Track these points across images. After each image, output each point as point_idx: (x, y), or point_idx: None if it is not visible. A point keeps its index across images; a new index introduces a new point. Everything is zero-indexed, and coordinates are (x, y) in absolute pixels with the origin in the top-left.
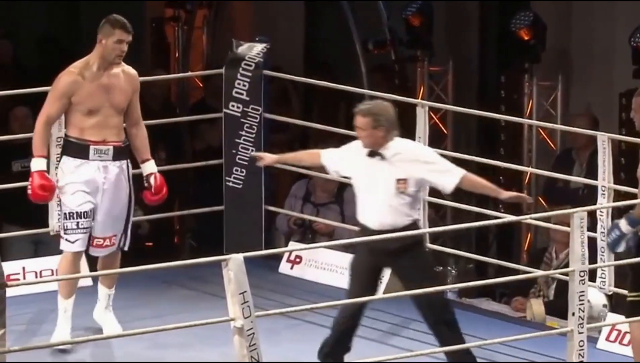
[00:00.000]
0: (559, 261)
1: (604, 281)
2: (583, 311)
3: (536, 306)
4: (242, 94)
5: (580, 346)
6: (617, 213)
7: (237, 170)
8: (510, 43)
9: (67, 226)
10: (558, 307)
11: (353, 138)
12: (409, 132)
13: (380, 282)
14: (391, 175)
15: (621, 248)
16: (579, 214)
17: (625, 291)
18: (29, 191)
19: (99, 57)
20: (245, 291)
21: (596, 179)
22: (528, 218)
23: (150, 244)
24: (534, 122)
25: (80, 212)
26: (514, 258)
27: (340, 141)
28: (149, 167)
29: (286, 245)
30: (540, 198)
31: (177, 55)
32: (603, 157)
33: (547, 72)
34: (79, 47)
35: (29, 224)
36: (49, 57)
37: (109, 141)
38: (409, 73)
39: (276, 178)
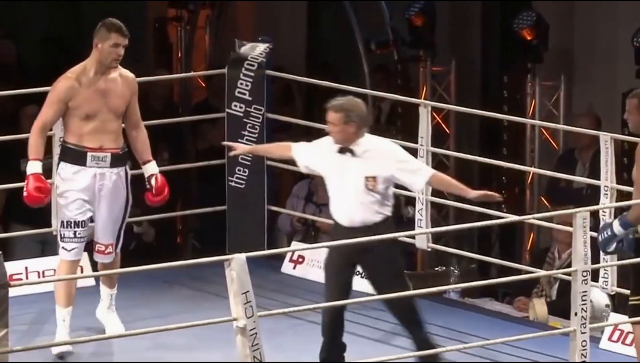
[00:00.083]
0: (561, 261)
1: (607, 281)
2: (586, 311)
3: (539, 307)
4: (244, 94)
5: (583, 346)
6: (620, 213)
7: (239, 170)
8: (512, 43)
9: (64, 234)
10: (561, 307)
11: None
12: (411, 132)
13: (354, 277)
14: (361, 172)
15: (611, 248)
16: (582, 214)
17: (627, 291)
18: (25, 194)
19: (95, 62)
20: (247, 291)
21: (599, 179)
22: (531, 218)
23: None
24: (537, 122)
25: (78, 221)
26: (517, 258)
27: None
28: (150, 168)
29: (288, 245)
30: (542, 198)
31: (179, 55)
32: (606, 157)
33: (549, 72)
34: (81, 47)
35: (36, 224)
36: (52, 57)
37: (107, 147)
38: (412, 73)
39: (278, 177)
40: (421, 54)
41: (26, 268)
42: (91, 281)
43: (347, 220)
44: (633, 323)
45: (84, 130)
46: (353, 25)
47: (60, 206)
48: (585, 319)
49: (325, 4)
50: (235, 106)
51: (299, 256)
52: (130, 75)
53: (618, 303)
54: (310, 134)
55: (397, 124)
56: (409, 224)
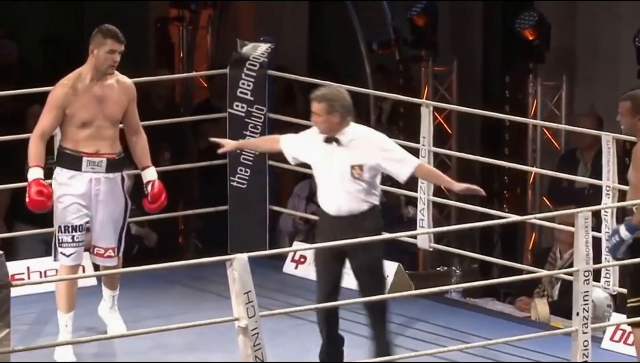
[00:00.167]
0: (563, 261)
1: (609, 281)
2: (587, 311)
3: (540, 306)
4: (246, 94)
5: (585, 346)
6: (622, 213)
7: (241, 170)
8: (514, 43)
9: (62, 239)
10: (562, 307)
11: None
12: (413, 132)
13: (344, 270)
14: (347, 161)
15: (621, 254)
16: (584, 214)
17: None
18: (27, 200)
19: (91, 68)
20: (249, 291)
21: (601, 179)
22: (532, 218)
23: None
24: (539, 122)
25: (76, 226)
26: (519, 258)
27: None
28: (149, 174)
29: (290, 245)
30: (544, 198)
31: (181, 55)
32: (608, 157)
33: (551, 72)
34: (82, 47)
35: (40, 224)
36: (53, 57)
37: (102, 153)
38: (414, 73)
39: (280, 177)
40: (423, 54)
41: (28, 268)
42: (92, 281)
43: (334, 209)
44: (632, 325)
45: (80, 136)
46: (355, 25)
47: (57, 211)
48: (587, 319)
49: (327, 4)
50: (237, 106)
51: (301, 256)
52: (128, 81)
53: (620, 303)
54: None
55: (399, 124)
56: (410, 224)
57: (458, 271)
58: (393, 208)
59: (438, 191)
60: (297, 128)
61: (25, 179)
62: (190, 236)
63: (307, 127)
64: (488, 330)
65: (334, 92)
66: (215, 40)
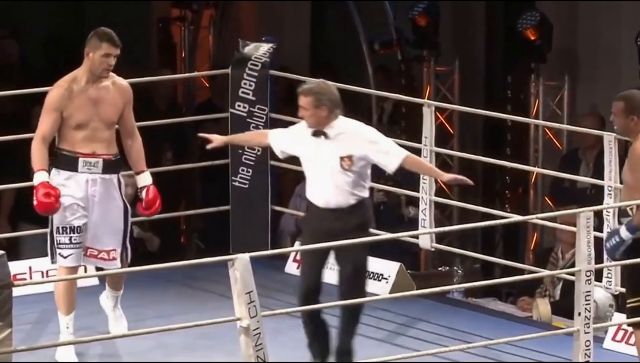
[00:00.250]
0: (565, 261)
1: (610, 281)
2: (589, 311)
3: (542, 306)
4: (248, 94)
5: (587, 346)
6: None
7: (243, 170)
8: (516, 43)
9: (59, 241)
10: (564, 307)
11: None
12: (415, 132)
13: (328, 262)
14: (335, 153)
15: (620, 255)
16: (585, 214)
17: None
18: (35, 204)
19: (87, 71)
20: (251, 291)
21: (603, 179)
22: (534, 218)
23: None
24: (540, 122)
25: (73, 227)
26: (520, 258)
27: None
28: (143, 179)
29: (292, 245)
30: (546, 198)
31: (183, 55)
32: (610, 157)
33: (553, 72)
34: (84, 47)
35: (44, 224)
36: (55, 57)
37: (99, 153)
38: (415, 73)
39: (281, 177)
40: (425, 54)
41: (30, 267)
42: (93, 281)
43: (322, 201)
44: (633, 325)
45: (76, 137)
46: (357, 25)
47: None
48: (588, 319)
49: (329, 4)
50: (239, 106)
51: None
52: (124, 83)
53: (621, 303)
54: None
55: (400, 124)
56: (411, 224)
57: (460, 271)
58: (394, 208)
59: (440, 191)
60: None
61: (29, 179)
62: (192, 236)
63: None
64: (490, 330)
65: (321, 86)
66: (217, 40)
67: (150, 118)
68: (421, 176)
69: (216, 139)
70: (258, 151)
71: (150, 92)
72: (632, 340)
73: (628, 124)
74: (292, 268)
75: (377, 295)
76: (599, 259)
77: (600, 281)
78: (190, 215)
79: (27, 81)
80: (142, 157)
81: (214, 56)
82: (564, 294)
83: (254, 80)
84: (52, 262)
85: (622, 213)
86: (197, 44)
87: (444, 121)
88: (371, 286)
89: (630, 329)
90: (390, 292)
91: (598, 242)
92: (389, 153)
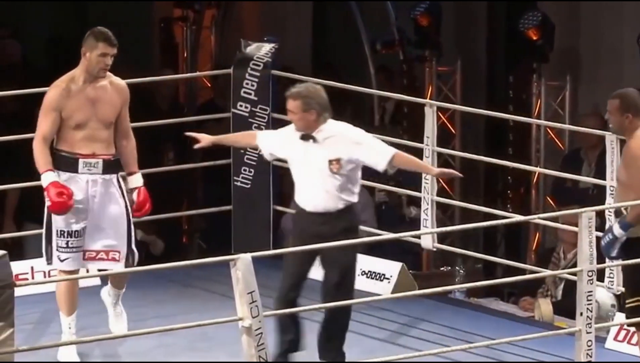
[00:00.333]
0: (567, 261)
1: (612, 281)
2: (591, 311)
3: (544, 306)
4: (250, 94)
5: (589, 346)
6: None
7: (245, 170)
8: (518, 43)
9: (58, 244)
10: (566, 307)
11: None
12: (417, 132)
13: (312, 266)
14: (324, 157)
15: (614, 252)
16: (587, 214)
17: None
18: (49, 204)
19: (84, 71)
20: (253, 291)
21: (604, 179)
22: (536, 218)
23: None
24: (542, 122)
25: (71, 231)
26: (522, 258)
27: None
28: (135, 181)
29: None
30: (548, 198)
31: (185, 55)
32: (611, 157)
33: (555, 72)
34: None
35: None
36: (57, 57)
37: (98, 154)
38: (417, 73)
39: (283, 177)
40: (427, 54)
41: (32, 267)
42: (95, 281)
43: (310, 205)
44: (633, 325)
45: (75, 138)
46: (358, 25)
47: (54, 215)
48: (590, 319)
49: (331, 4)
50: (241, 105)
51: None
52: (122, 83)
53: (623, 303)
54: None
55: (402, 124)
56: (412, 224)
57: (462, 271)
58: (395, 208)
59: (442, 191)
60: None
61: (32, 179)
62: (194, 236)
63: None
64: (492, 330)
65: (309, 90)
66: (219, 40)
67: (152, 118)
68: (423, 176)
69: (204, 139)
70: (259, 150)
71: (152, 92)
72: (634, 340)
73: (623, 122)
74: None
75: (379, 295)
76: (600, 259)
77: (602, 281)
78: (192, 215)
79: (28, 81)
80: (134, 158)
81: (216, 56)
82: (565, 294)
83: (256, 80)
84: (48, 264)
85: (617, 213)
86: (199, 44)
87: (445, 121)
88: (373, 286)
89: (632, 329)
90: (392, 292)
91: (600, 242)
92: (377, 152)
